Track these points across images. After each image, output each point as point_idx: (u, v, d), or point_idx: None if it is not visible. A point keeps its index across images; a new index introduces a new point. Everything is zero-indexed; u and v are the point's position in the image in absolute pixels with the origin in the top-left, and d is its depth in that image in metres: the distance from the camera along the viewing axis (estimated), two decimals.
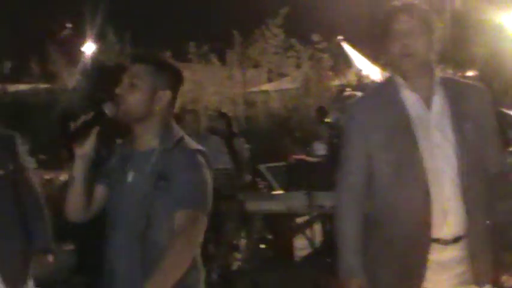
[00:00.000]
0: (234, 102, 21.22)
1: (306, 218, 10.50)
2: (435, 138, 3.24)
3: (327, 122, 11.29)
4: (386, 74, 15.73)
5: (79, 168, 3.21)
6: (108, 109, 3.18)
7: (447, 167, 3.22)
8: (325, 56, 20.92)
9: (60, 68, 23.18)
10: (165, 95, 3.24)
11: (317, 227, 9.35)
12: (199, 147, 3.23)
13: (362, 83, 19.77)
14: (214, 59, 22.82)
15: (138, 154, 3.23)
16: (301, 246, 10.49)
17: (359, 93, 7.84)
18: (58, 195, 11.77)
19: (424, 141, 3.23)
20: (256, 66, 22.68)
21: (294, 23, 22.05)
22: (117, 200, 3.22)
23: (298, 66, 22.00)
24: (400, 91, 3.32)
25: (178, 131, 3.27)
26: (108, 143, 3.41)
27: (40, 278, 9.16)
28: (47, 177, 12.22)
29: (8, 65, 8.99)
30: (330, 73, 20.93)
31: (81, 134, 3.16)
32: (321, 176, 6.82)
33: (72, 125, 3.17)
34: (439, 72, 3.42)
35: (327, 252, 8.14)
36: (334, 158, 7.45)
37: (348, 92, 8.22)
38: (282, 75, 22.48)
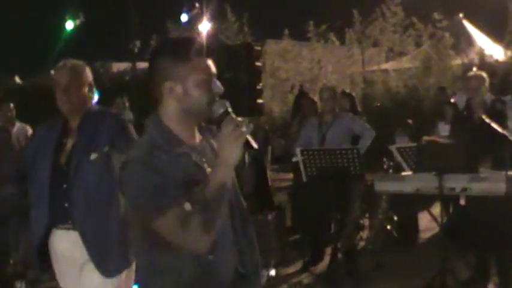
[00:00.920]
0: (352, 81, 21.13)
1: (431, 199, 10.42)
2: None
3: (451, 103, 11.11)
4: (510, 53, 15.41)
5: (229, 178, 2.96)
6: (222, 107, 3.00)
7: None
8: (446, 34, 20.52)
9: None
10: None
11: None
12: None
13: (485, 62, 19.32)
14: (333, 38, 22.77)
15: (199, 149, 3.07)
16: (425, 227, 10.40)
17: (484, 73, 7.68)
18: None
19: None
20: (375, 45, 22.51)
21: (414, 1, 21.73)
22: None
23: (418, 44, 21.70)
24: None
25: None
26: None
27: None
28: None
29: (137, 44, 9.22)
30: (451, 52, 20.52)
31: None
32: (452, 158, 6.72)
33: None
34: None
35: (452, 234, 8.03)
36: (462, 139, 7.37)
37: (473, 72, 8.05)
38: (401, 54, 22.22)
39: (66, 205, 4.19)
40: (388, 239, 9.11)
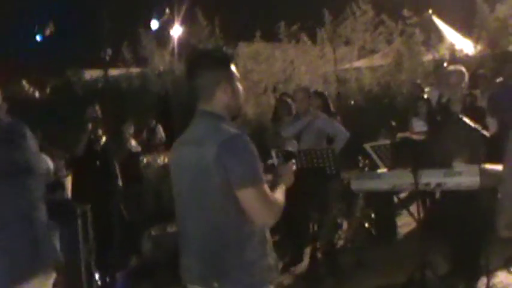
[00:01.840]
0: (326, 81, 21.18)
1: (406, 195, 10.50)
2: None
3: (425, 98, 11.21)
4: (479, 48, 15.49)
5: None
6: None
7: None
8: (416, 30, 20.64)
9: (151, 52, 23.58)
10: None
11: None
12: None
13: (456, 57, 19.46)
14: (304, 38, 22.82)
15: None
16: (403, 222, 10.49)
17: (463, 68, 7.76)
18: (158, 178, 12.03)
19: None
20: (346, 43, 22.58)
21: None
22: None
23: (389, 42, 21.81)
24: None
25: None
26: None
27: (146, 260, 9.43)
28: (145, 160, 12.48)
29: (109, 52, 9.21)
30: (422, 48, 20.64)
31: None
32: (426, 154, 6.79)
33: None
34: None
35: (429, 228, 8.11)
36: (436, 135, 7.43)
37: (453, 67, 8.12)
38: (373, 51, 22.32)
39: None
40: (366, 237, 9.18)
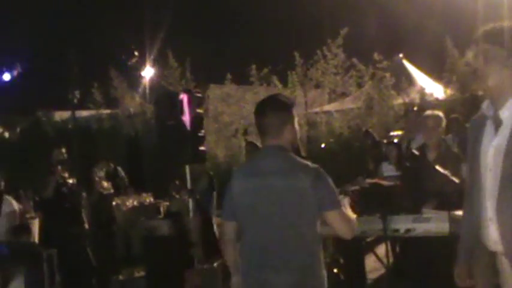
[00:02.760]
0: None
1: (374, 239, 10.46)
2: None
3: (395, 143, 11.22)
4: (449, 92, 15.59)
5: None
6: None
7: None
8: (387, 74, 20.78)
9: (122, 93, 23.53)
10: None
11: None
12: None
13: (426, 101, 19.61)
14: (275, 81, 22.89)
15: None
16: (371, 268, 10.42)
17: (441, 113, 7.77)
18: (126, 221, 11.90)
19: None
20: (317, 86, 22.66)
21: (354, 42, 22.00)
22: None
23: (359, 85, 21.91)
24: None
25: None
26: None
27: None
28: (115, 202, 12.36)
29: (77, 94, 9.17)
30: (392, 92, 20.78)
31: None
32: (395, 200, 6.77)
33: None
34: None
35: (398, 274, 8.06)
36: (406, 181, 7.42)
37: (430, 111, 8.13)
38: (343, 95, 22.41)
39: None
40: (335, 282, 9.09)
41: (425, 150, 7.42)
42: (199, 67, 23.11)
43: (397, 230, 6.83)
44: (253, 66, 22.53)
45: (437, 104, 19.24)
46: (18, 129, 22.88)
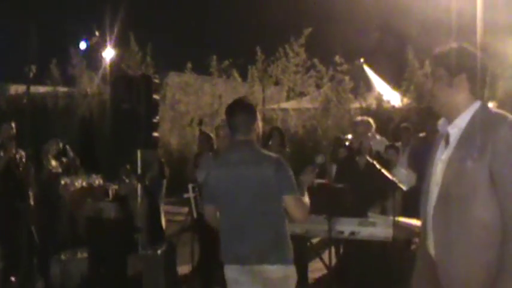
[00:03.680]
0: None
1: (320, 240, 10.53)
2: None
3: (346, 146, 11.29)
4: (406, 101, 15.70)
5: None
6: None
7: None
8: (346, 77, 20.91)
9: (80, 72, 23.33)
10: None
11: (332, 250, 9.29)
12: None
13: (382, 108, 19.78)
14: (235, 74, 22.89)
15: None
16: (314, 268, 10.48)
17: (366, 118, 7.86)
18: (74, 201, 11.79)
19: None
20: (276, 83, 22.71)
21: (317, 43, 22.10)
22: None
23: (318, 86, 22.00)
24: None
25: None
26: None
27: (52, 285, 9.23)
28: (63, 182, 12.24)
29: (33, 69, 9.07)
30: (350, 95, 20.91)
31: None
32: (341, 202, 6.81)
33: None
34: None
35: (341, 276, 8.13)
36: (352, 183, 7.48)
37: (360, 117, 8.23)
38: (301, 94, 22.48)
39: None
40: None
41: (358, 154, 7.51)
42: (161, 53, 23.02)
43: (342, 232, 6.89)
44: (214, 57, 22.54)
45: (392, 111, 19.45)
46: None
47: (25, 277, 9.02)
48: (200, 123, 13.23)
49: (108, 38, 23.92)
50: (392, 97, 21.19)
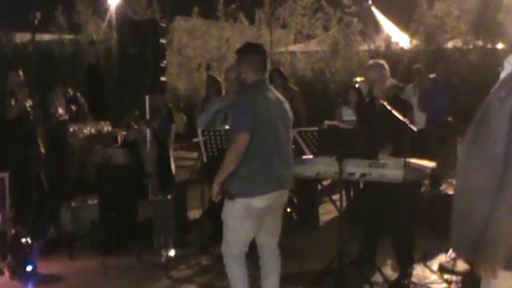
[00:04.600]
0: None
1: (331, 182, 10.53)
2: None
3: (355, 88, 11.20)
4: (415, 42, 15.56)
5: None
6: None
7: None
8: (354, 19, 20.71)
9: (86, 19, 23.15)
10: None
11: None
12: None
13: (391, 50, 19.62)
14: (242, 18, 22.74)
15: None
16: (325, 210, 10.51)
17: (382, 61, 7.73)
18: (82, 148, 11.78)
19: None
20: (284, 26, 22.57)
21: None
22: None
23: (326, 28, 21.84)
24: None
25: None
26: None
27: (62, 231, 9.26)
28: (72, 129, 12.22)
29: (38, 16, 8.96)
30: (359, 37, 20.74)
31: None
32: (352, 144, 6.76)
33: None
34: None
35: (351, 218, 8.12)
36: (363, 125, 7.41)
37: (372, 61, 8.08)
38: (309, 37, 22.34)
39: None
40: (287, 221, 9.13)
41: (372, 96, 7.39)
42: None
43: (352, 174, 6.84)
44: (221, 1, 22.36)
45: (401, 53, 19.28)
46: None
47: (36, 224, 9.04)
48: (208, 67, 13.19)
49: None
50: (401, 39, 20.99)
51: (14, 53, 20.86)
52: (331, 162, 6.78)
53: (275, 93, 5.98)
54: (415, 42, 20.05)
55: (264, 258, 6.21)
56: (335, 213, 9.45)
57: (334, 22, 21.35)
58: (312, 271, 7.47)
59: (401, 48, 19.95)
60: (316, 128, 7.16)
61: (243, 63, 5.90)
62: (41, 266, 7.97)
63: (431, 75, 12.75)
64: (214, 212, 9.13)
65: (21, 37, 21.83)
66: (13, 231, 8.14)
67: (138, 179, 9.58)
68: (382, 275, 7.33)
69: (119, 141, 11.40)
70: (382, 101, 6.97)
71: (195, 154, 10.69)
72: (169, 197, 8.94)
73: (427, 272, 7.68)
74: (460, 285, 7.20)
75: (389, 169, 6.62)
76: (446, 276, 7.45)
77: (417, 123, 8.20)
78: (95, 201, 9.73)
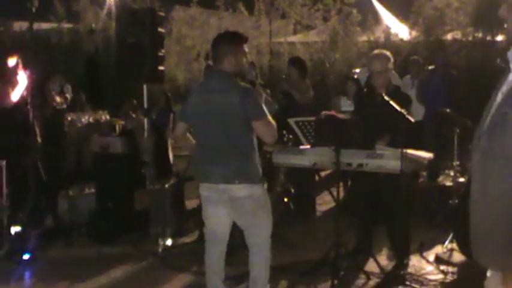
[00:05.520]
0: (259, 52, 21.10)
1: (328, 173, 10.54)
2: None
3: (354, 78, 11.21)
4: (414, 34, 15.54)
5: None
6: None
7: None
8: (354, 10, 20.69)
9: (85, 7, 23.11)
10: None
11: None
12: None
13: (390, 41, 19.60)
14: (241, 8, 22.73)
15: None
16: (322, 201, 10.52)
17: (388, 52, 7.71)
18: (80, 137, 11.77)
19: None
20: (283, 17, 22.55)
21: None
22: None
23: (325, 19, 21.82)
24: None
25: None
26: None
27: (60, 220, 9.25)
28: (69, 118, 12.21)
29: (35, 4, 8.94)
30: (358, 28, 20.73)
31: None
32: (349, 134, 6.75)
33: None
34: None
35: (349, 208, 8.13)
36: (361, 115, 7.41)
37: (377, 50, 8.05)
38: (308, 27, 22.32)
39: None
40: (285, 211, 9.15)
41: (372, 87, 7.38)
42: None
43: (349, 164, 6.84)
44: None
45: (400, 44, 19.27)
46: None
47: (33, 213, 9.04)
48: (207, 57, 13.09)
49: None
50: (401, 30, 20.97)
51: (12, 42, 20.81)
52: (328, 152, 6.78)
53: (220, 82, 5.73)
54: (414, 33, 20.02)
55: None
56: (332, 204, 9.47)
57: (333, 13, 21.32)
58: (308, 261, 7.47)
59: (401, 40, 19.92)
60: (313, 118, 7.15)
61: None
62: (38, 254, 7.99)
63: (430, 67, 12.75)
64: None
65: (20, 25, 21.79)
66: (10, 220, 8.14)
67: (136, 168, 9.57)
68: (379, 265, 7.36)
69: (117, 130, 11.40)
70: (380, 92, 6.97)
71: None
72: (166, 186, 8.94)
73: (423, 262, 7.69)
74: (456, 276, 7.23)
75: (387, 160, 6.62)
76: (442, 267, 7.46)
77: (415, 114, 8.20)
78: (92, 190, 9.72)
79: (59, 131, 11.12)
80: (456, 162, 8.81)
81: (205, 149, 5.81)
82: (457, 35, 18.46)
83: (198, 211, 9.36)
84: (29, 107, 9.58)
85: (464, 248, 7.34)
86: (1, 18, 22.02)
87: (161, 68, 9.28)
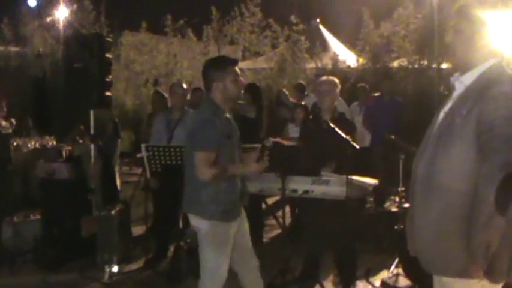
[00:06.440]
0: None
1: (276, 199, 10.57)
2: None
3: (302, 105, 11.28)
4: (361, 61, 15.74)
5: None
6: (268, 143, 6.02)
7: None
8: (302, 37, 20.89)
9: (32, 31, 22.94)
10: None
11: (286, 210, 9.31)
12: None
13: (338, 68, 19.81)
14: (190, 34, 22.78)
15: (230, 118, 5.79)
16: (269, 228, 10.53)
17: (335, 79, 7.79)
18: (26, 162, 11.62)
19: None
20: (232, 43, 22.65)
21: (272, 3, 21.98)
22: None
23: (274, 46, 21.97)
24: None
25: None
26: None
27: (4, 247, 9.11)
28: (15, 143, 12.07)
29: None
30: (306, 55, 20.91)
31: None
32: (295, 160, 6.81)
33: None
34: None
35: (295, 235, 8.16)
36: (306, 142, 7.46)
37: (325, 77, 8.13)
38: (257, 54, 22.44)
39: None
40: None
41: (317, 113, 7.44)
42: (115, 12, 22.71)
43: (295, 191, 6.90)
44: (169, 17, 22.37)
45: (348, 71, 19.50)
46: None
47: None
48: (156, 83, 13.16)
49: None
50: (348, 57, 21.22)
51: None
52: (274, 179, 6.82)
53: (200, 110, 5.74)
54: (361, 60, 20.28)
55: None
56: (279, 230, 9.50)
57: (281, 40, 21.48)
58: None
59: (348, 67, 20.17)
60: (259, 145, 7.19)
61: None
62: None
63: (376, 94, 12.91)
64: (158, 228, 9.12)
65: None
66: None
67: (82, 194, 9.48)
68: None
69: (63, 156, 11.29)
70: (326, 118, 7.03)
71: (139, 170, 10.66)
72: (113, 212, 8.88)
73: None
74: None
75: (332, 186, 6.69)
76: None
77: (362, 140, 8.28)
78: (38, 216, 9.59)
79: (5, 155, 10.96)
80: (401, 188, 8.90)
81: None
82: (403, 62, 18.74)
83: (144, 238, 9.37)
84: None
85: (409, 273, 7.42)
86: None
87: (108, 93, 9.24)
